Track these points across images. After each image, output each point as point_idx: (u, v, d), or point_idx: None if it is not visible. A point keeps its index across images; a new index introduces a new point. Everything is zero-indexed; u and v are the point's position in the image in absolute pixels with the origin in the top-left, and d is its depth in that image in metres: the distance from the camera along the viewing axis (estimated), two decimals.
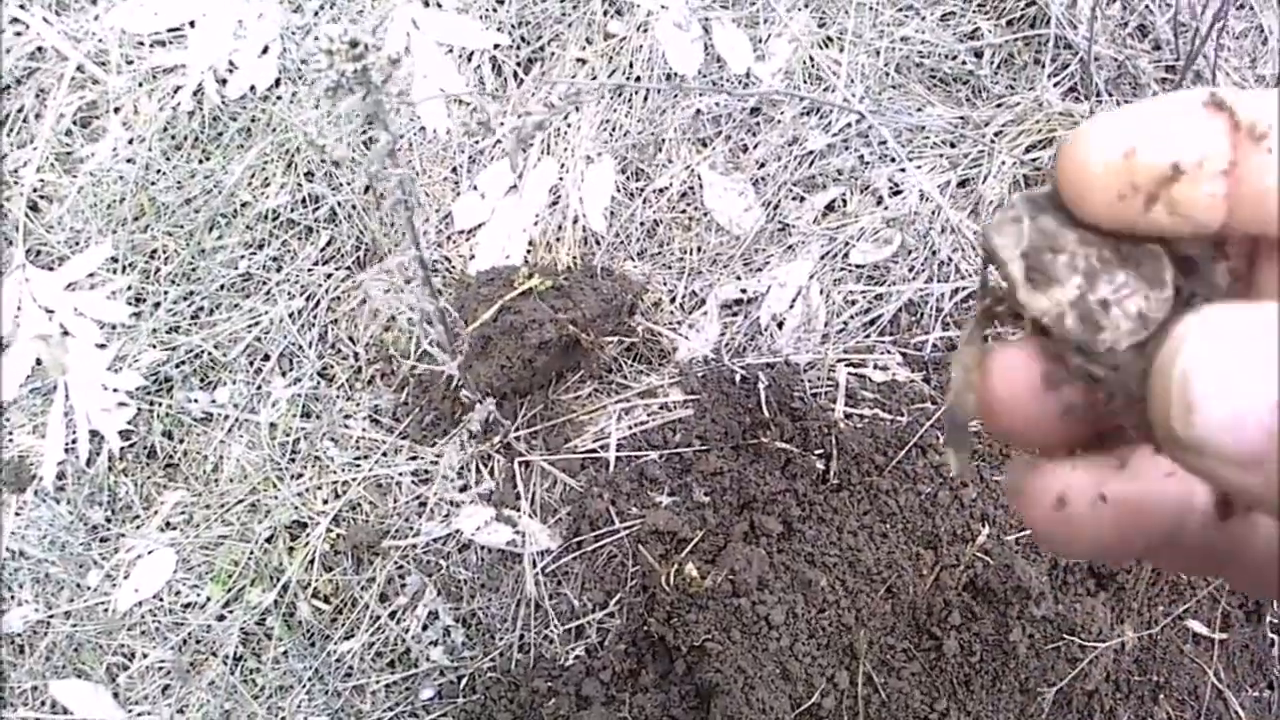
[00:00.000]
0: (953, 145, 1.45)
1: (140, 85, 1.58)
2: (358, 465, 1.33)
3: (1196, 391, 0.22)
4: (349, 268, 1.41)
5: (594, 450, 1.27)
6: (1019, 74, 1.53)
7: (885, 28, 1.52)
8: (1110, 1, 1.59)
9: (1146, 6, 1.58)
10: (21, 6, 1.71)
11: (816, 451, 1.25)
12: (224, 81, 1.55)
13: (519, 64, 1.49)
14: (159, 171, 1.51)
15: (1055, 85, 1.51)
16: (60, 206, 1.54)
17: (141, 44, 1.62)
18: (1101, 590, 1.35)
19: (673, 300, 1.35)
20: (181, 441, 1.41)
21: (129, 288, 1.46)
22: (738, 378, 1.29)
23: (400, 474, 1.32)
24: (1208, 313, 0.23)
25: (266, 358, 1.39)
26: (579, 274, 1.28)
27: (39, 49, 1.68)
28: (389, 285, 1.13)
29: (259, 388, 1.38)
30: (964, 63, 1.52)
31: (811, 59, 1.49)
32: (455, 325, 1.03)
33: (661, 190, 1.40)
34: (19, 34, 1.69)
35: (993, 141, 1.45)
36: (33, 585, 1.44)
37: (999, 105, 1.49)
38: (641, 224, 1.38)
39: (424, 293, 0.99)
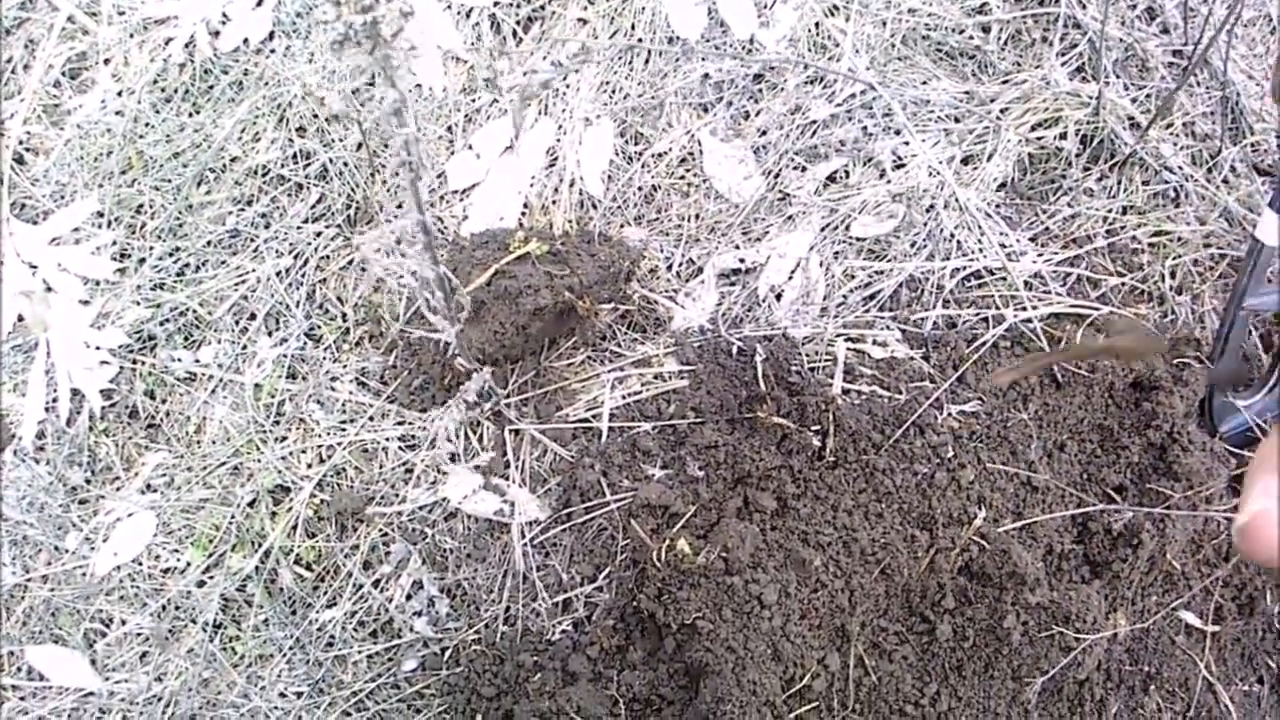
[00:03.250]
0: (957, 120, 1.34)
1: (131, 37, 1.45)
2: (343, 429, 1.23)
3: None
4: (339, 226, 1.30)
5: (586, 420, 1.17)
6: (1026, 51, 1.42)
7: None
8: None
9: None
10: None
11: (813, 427, 1.15)
12: (216, 34, 1.43)
13: (519, 22, 1.37)
14: (148, 125, 1.39)
15: (1063, 64, 1.41)
16: (46, 159, 1.41)
17: None
18: (1096, 579, 1.26)
19: (669, 268, 1.24)
20: (164, 401, 1.30)
21: (114, 243, 1.34)
22: (734, 349, 1.18)
23: (387, 439, 1.21)
24: None
25: (253, 317, 1.28)
26: (576, 239, 1.18)
27: None
28: (387, 249, 1.02)
29: (244, 347, 1.27)
30: (971, 37, 1.41)
31: (817, 26, 1.38)
32: (455, 291, 0.93)
33: (660, 155, 1.29)
34: None
35: (998, 118, 1.34)
36: (10, 548, 1.33)
37: (1005, 82, 1.38)
38: (639, 189, 1.27)
39: (424, 258, 0.88)
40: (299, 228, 1.29)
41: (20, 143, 1.44)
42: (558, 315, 1.17)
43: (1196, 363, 1.29)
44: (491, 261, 1.16)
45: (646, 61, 1.33)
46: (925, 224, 1.25)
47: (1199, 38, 1.44)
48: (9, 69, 1.50)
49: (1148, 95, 1.42)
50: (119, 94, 1.42)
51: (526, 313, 1.13)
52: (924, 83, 1.37)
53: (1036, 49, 1.42)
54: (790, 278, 1.23)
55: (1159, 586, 1.32)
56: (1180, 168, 1.38)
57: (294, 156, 1.33)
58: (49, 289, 1.43)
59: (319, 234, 1.29)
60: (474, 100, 1.33)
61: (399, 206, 1.28)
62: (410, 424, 1.21)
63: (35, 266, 1.43)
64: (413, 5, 1.41)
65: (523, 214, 1.27)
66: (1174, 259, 1.35)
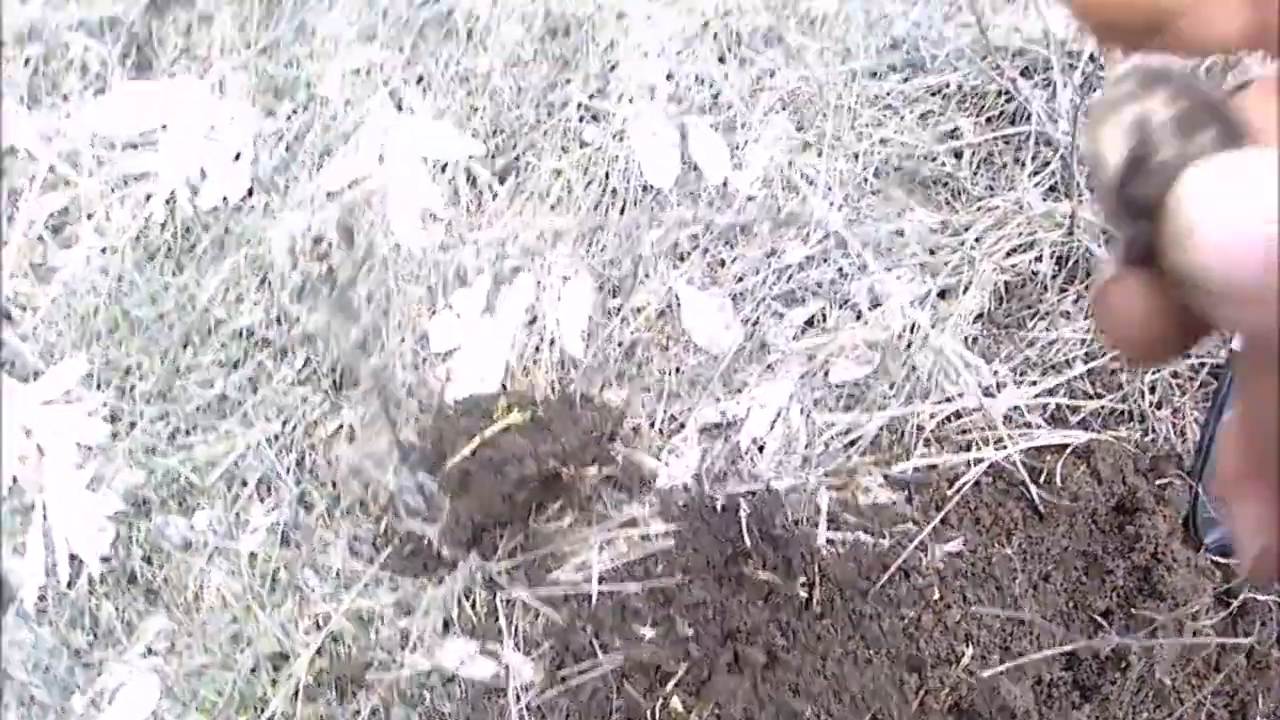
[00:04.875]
0: (933, 253, 1.41)
1: (113, 191, 1.53)
2: (339, 596, 1.30)
3: (1192, 213, 0.22)
4: (325, 391, 1.37)
5: (576, 582, 1.24)
6: (999, 174, 1.49)
7: (864, 129, 1.48)
8: (1089, 93, 1.54)
9: None
10: None
11: (799, 579, 1.22)
12: (196, 190, 1.50)
13: (495, 174, 1.44)
14: (132, 284, 1.46)
15: (1036, 185, 1.48)
16: (34, 316, 1.49)
17: (113, 147, 1.56)
18: (1086, 703, 1.33)
19: (652, 425, 1.31)
20: (161, 567, 1.37)
21: (105, 405, 1.42)
22: (719, 505, 1.25)
23: (382, 606, 1.28)
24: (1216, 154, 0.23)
25: (244, 483, 1.35)
26: (557, 404, 1.25)
27: (10, 147, 1.62)
28: (371, 461, 1.09)
29: (237, 515, 1.35)
30: (944, 164, 1.48)
31: (790, 164, 1.45)
32: (434, 499, 1.00)
33: (639, 309, 1.36)
34: None
35: (973, 248, 1.41)
36: (18, 708, 1.40)
37: (979, 208, 1.45)
38: (619, 345, 1.34)
39: (403, 472, 0.95)
40: (286, 392, 1.37)
41: (8, 299, 1.51)
42: (543, 482, 1.24)
43: (1178, 480, 1.35)
44: (475, 430, 1.22)
45: (622, 211, 1.40)
46: (903, 366, 1.32)
47: None
48: None
49: None
50: (103, 251, 1.49)
51: (512, 482, 1.20)
52: (899, 215, 1.43)
53: (1009, 170, 1.49)
54: (772, 428, 1.30)
55: (1150, 704, 1.39)
56: None
57: (278, 319, 1.40)
58: (42, 452, 1.50)
59: (305, 399, 1.36)
60: (451, 256, 1.40)
61: (371, 369, 1.35)
62: (404, 590, 1.29)
63: (29, 430, 1.50)
64: (380, 160, 1.48)
65: (505, 375, 1.34)
66: (1154, 373, 1.42)
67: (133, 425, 1.40)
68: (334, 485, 1.34)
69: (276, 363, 1.39)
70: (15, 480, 1.46)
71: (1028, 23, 1.58)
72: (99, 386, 1.43)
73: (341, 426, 1.35)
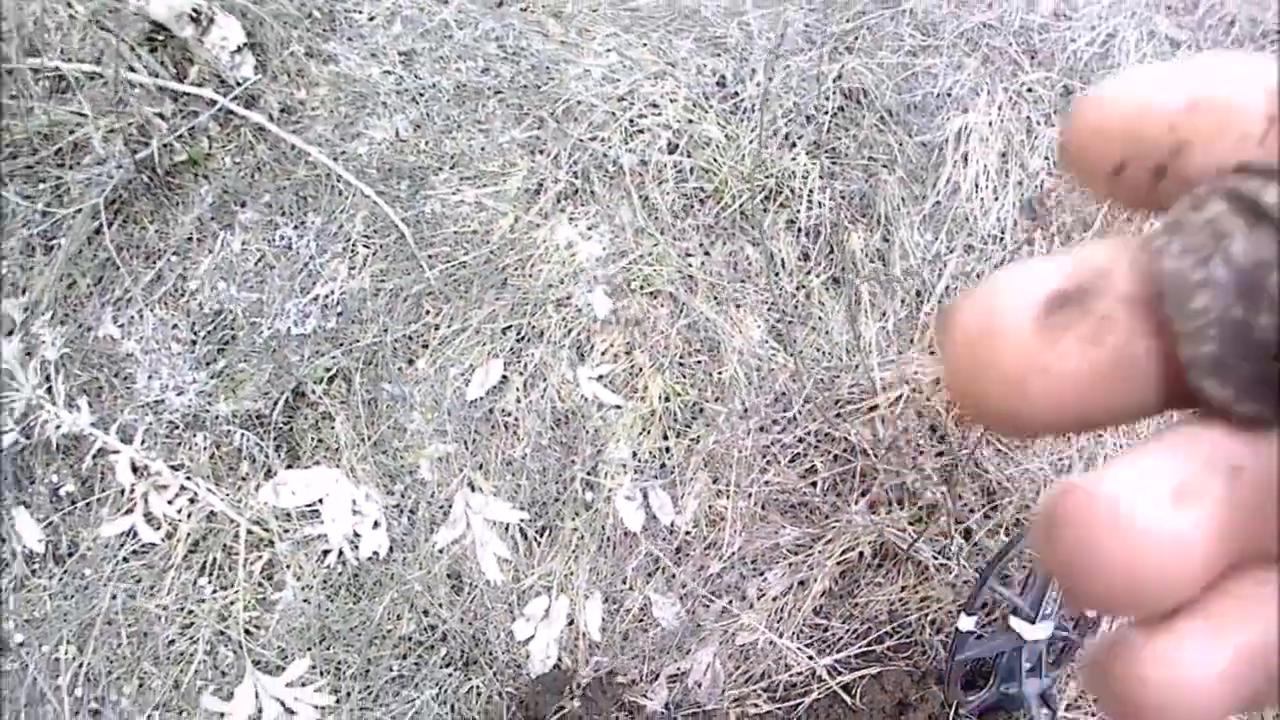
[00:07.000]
0: (797, 554, 2.66)
1: (299, 549, 2.72)
2: None
3: None
4: (461, 668, 2.64)
5: None
6: (840, 495, 2.70)
7: (756, 476, 2.67)
8: (899, 420, 2.72)
9: (936, 412, 2.72)
10: (188, 476, 2.80)
11: None
12: (356, 546, 2.70)
13: (537, 531, 2.65)
14: (327, 610, 2.69)
15: (863, 498, 2.69)
16: (267, 632, 2.72)
17: (289, 516, 2.74)
18: None
19: (641, 679, 2.60)
20: None
21: (328, 684, 2.69)
22: None
23: None
24: None
25: None
26: (593, 689, 2.53)
27: (212, 513, 2.79)
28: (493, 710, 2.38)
29: None
30: (804, 493, 2.69)
31: (710, 507, 2.65)
32: None
33: (629, 610, 2.61)
34: (192, 500, 2.79)
35: (821, 551, 2.65)
36: None
37: (826, 521, 2.68)
38: (620, 632, 2.61)
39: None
40: (437, 671, 2.64)
41: (246, 622, 2.73)
42: None
43: (934, 683, 2.67)
44: (556, 705, 2.52)
45: (614, 549, 2.62)
46: (771, 641, 2.60)
47: (966, 448, 2.71)
48: (216, 567, 2.76)
49: (920, 508, 2.71)
50: (303, 588, 2.71)
51: None
52: (775, 533, 2.66)
53: (846, 490, 2.70)
54: (706, 672, 2.59)
55: None
56: (936, 556, 2.70)
57: (425, 629, 2.64)
58: (292, 713, 2.78)
59: (450, 674, 2.63)
60: (520, 584, 2.63)
61: (488, 651, 2.62)
62: None
63: (281, 700, 2.77)
64: (467, 525, 2.70)
65: (559, 654, 2.61)
66: (934, 611, 2.70)
67: (348, 694, 2.68)
68: (486, 717, 2.64)
69: (429, 653, 2.65)
70: None
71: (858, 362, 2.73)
72: (321, 674, 2.69)
73: (473, 689, 2.63)
